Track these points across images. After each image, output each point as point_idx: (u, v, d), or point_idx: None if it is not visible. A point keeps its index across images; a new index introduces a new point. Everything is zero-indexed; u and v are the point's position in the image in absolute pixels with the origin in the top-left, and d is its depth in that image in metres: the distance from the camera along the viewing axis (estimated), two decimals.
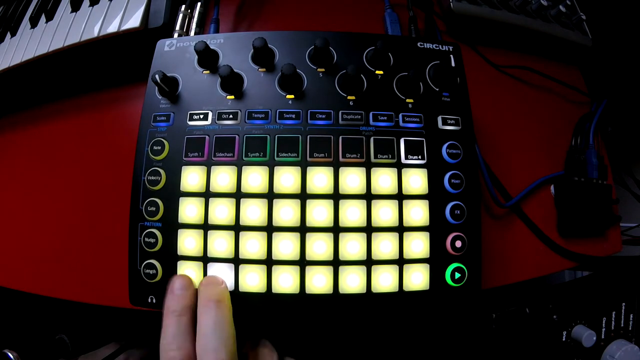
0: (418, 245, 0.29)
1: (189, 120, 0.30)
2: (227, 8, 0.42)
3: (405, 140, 0.30)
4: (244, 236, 0.28)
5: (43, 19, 0.41)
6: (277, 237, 0.28)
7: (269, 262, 0.28)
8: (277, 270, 0.28)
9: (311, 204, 0.28)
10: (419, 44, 0.33)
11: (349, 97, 0.30)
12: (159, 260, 0.28)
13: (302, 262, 0.28)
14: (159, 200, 0.29)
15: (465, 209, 0.29)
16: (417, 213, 0.29)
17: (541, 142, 0.42)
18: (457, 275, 0.29)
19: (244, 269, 0.28)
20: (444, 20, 0.44)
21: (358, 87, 0.31)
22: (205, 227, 0.28)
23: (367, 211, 0.28)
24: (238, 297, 0.28)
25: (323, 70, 0.31)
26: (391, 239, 0.28)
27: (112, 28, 0.36)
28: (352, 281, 0.28)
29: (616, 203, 0.41)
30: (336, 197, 0.28)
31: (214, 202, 0.28)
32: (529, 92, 0.44)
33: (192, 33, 0.37)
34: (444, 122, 0.30)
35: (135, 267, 0.29)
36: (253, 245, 0.28)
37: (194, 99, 0.31)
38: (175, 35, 0.37)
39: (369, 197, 0.28)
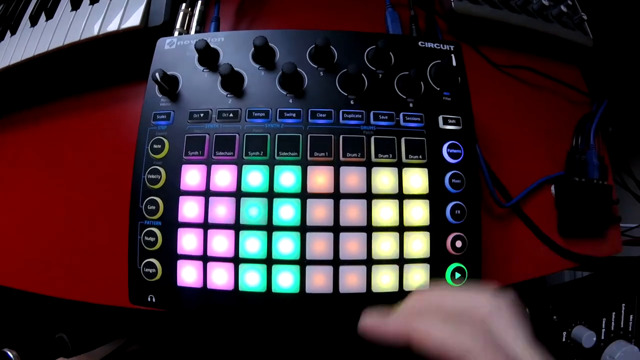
0: (418, 245, 0.28)
1: (189, 119, 0.30)
2: (227, 7, 0.42)
3: (406, 139, 0.29)
4: (244, 235, 0.28)
5: (43, 17, 0.41)
6: (277, 236, 0.28)
7: (269, 261, 0.28)
8: (277, 270, 0.28)
9: (311, 203, 0.28)
10: (420, 43, 0.33)
11: (349, 96, 0.30)
12: (159, 259, 0.28)
13: (302, 262, 0.28)
14: (158, 199, 0.29)
15: (465, 209, 0.29)
16: (418, 213, 0.29)
17: (542, 142, 0.42)
18: (458, 275, 0.29)
19: (244, 268, 0.28)
20: (445, 20, 0.44)
21: (359, 86, 0.31)
22: (205, 226, 0.28)
23: (367, 211, 0.28)
24: (238, 297, 0.28)
25: (324, 69, 0.31)
26: (391, 239, 0.28)
27: (112, 27, 0.36)
28: (352, 280, 0.28)
29: (616, 203, 0.41)
30: (336, 196, 0.28)
31: (214, 201, 0.28)
32: (530, 91, 0.44)
33: (192, 31, 0.37)
34: (445, 122, 0.30)
35: (134, 266, 0.29)
36: (253, 244, 0.28)
37: (194, 98, 0.30)
38: (176, 33, 0.37)
39: (369, 196, 0.28)
